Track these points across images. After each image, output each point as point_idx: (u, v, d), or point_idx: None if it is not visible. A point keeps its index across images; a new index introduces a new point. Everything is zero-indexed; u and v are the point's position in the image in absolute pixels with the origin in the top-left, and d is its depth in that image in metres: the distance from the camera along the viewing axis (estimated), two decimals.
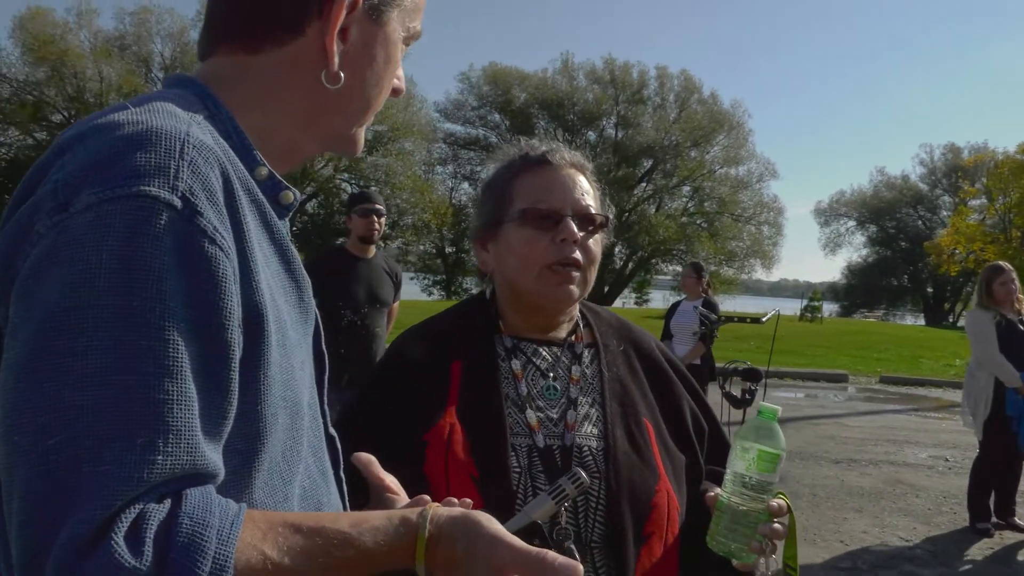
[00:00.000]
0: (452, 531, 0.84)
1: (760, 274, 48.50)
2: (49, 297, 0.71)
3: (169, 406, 0.71)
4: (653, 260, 45.02)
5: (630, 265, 45.94)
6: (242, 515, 0.75)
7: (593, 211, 1.45)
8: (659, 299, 37.02)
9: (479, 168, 40.69)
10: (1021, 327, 5.70)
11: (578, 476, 1.09)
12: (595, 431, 1.39)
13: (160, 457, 0.70)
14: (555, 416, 1.39)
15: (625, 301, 45.05)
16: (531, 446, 1.35)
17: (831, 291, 58.80)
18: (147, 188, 0.73)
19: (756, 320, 5.01)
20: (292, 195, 0.96)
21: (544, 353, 1.46)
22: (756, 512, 1.23)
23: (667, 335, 7.14)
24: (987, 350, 5.64)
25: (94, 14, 34.22)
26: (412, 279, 40.84)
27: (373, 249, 4.64)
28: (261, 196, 0.92)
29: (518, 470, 1.32)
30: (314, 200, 37.90)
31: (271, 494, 0.86)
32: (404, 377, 1.45)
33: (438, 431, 1.35)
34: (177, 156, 0.76)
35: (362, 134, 1.06)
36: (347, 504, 1.06)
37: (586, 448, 1.37)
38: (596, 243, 1.45)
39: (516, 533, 0.97)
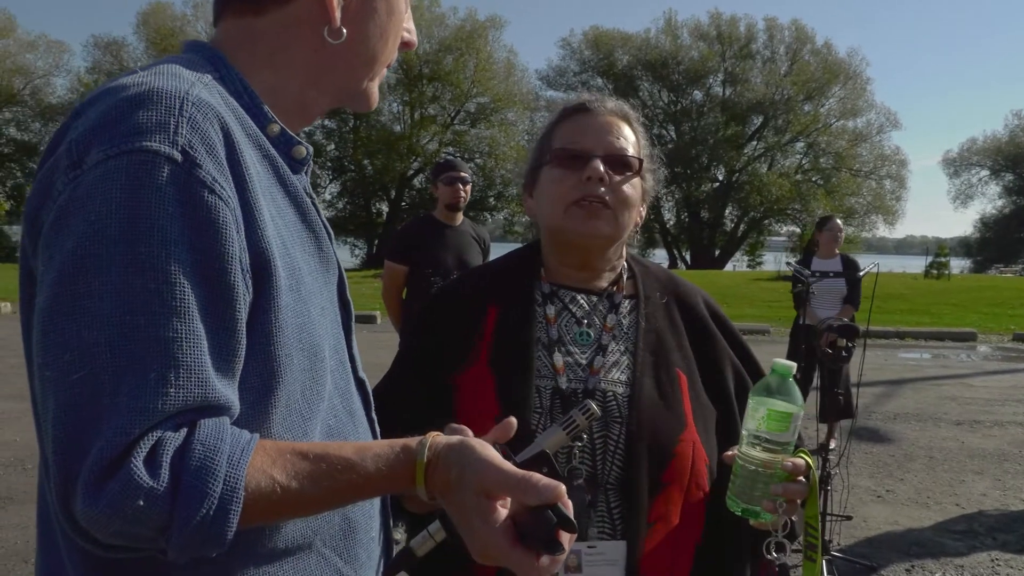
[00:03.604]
0: (448, 456, 0.89)
1: (883, 231, 46.20)
2: (66, 246, 0.79)
3: (178, 343, 0.78)
4: (766, 221, 43.57)
5: (741, 227, 44.60)
6: (254, 443, 0.82)
7: (627, 154, 1.44)
8: (771, 261, 35.60)
9: None
10: None
11: (588, 407, 1.09)
12: (623, 377, 1.40)
13: (172, 390, 0.77)
14: (583, 361, 1.41)
15: (737, 264, 43.74)
16: (555, 388, 1.38)
17: (962, 246, 55.10)
18: (148, 143, 0.80)
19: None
20: (304, 150, 1.01)
21: (581, 301, 1.47)
22: (770, 471, 1.21)
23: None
24: None
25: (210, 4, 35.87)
26: None
27: (460, 216, 4.73)
28: (273, 151, 0.97)
29: (539, 410, 1.35)
30: (421, 175, 38.63)
31: (290, 429, 0.92)
32: (443, 319, 1.49)
33: (468, 377, 1.40)
34: (177, 113, 0.82)
35: (375, 88, 1.10)
36: None
37: (610, 393, 1.38)
38: (631, 187, 1.44)
39: (526, 462, 0.99)
